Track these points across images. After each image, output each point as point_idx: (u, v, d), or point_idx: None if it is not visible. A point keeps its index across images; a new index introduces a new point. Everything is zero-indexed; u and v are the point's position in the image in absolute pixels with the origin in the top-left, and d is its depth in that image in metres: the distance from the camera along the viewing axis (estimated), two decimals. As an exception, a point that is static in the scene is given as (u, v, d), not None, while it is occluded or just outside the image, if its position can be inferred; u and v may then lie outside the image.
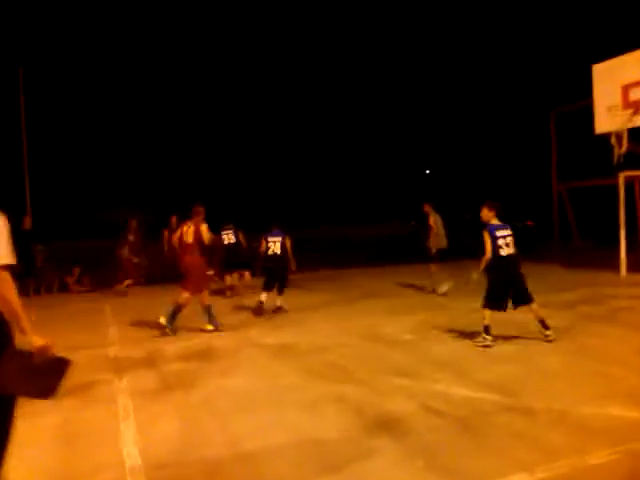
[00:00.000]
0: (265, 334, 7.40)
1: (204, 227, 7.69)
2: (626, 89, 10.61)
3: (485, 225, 6.40)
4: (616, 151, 10.64)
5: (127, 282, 12.77)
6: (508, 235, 6.34)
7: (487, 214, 6.45)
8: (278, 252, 9.01)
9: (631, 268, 12.47)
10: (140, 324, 8.38)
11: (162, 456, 3.67)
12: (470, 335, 6.66)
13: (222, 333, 7.49)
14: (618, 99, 10.76)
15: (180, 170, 26.70)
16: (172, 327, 7.48)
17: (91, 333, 7.88)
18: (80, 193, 24.37)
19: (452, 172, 30.77)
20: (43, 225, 17.74)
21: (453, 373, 5.26)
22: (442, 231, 10.51)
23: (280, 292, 9.12)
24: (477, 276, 6.33)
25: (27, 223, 13.41)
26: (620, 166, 11.08)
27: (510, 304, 6.36)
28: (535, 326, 6.45)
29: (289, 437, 3.89)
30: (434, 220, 10.44)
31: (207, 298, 7.76)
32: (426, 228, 10.63)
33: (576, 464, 3.31)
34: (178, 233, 7.89)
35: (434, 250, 10.44)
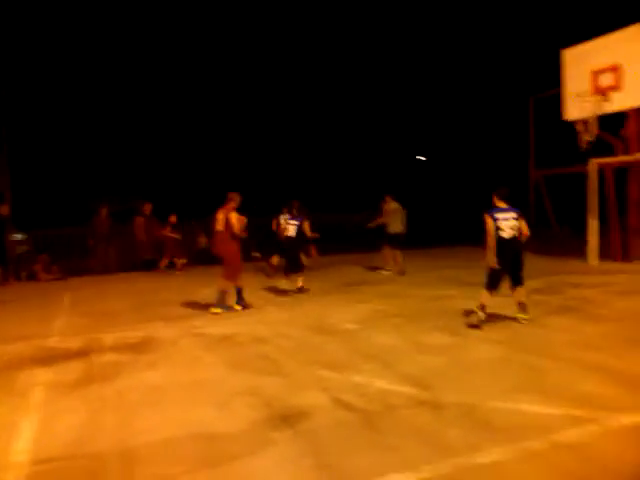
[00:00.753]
0: (211, 324, 7.31)
1: (233, 216, 7.72)
2: (595, 75, 10.38)
3: (488, 210, 6.62)
4: (583, 138, 10.44)
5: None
6: (511, 218, 6.49)
7: (496, 201, 6.68)
8: (293, 235, 9.48)
9: (602, 256, 12.36)
10: (91, 314, 8.30)
11: (53, 451, 3.59)
12: (417, 323, 6.64)
13: (168, 323, 7.40)
14: (587, 85, 10.53)
15: (172, 158, 26.32)
16: (226, 307, 7.97)
17: (39, 323, 7.78)
18: (72, 181, 24.06)
19: (430, 158, 30.43)
20: (28, 213, 17.62)
21: (381, 364, 5.17)
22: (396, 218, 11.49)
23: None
24: (492, 259, 6.44)
25: (4, 210, 13.25)
26: (589, 153, 10.89)
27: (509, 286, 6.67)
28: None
29: (186, 432, 3.80)
30: (388, 209, 11.51)
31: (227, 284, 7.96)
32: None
33: (462, 463, 3.21)
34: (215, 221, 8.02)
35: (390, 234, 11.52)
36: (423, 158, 37.69)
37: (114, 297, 9.98)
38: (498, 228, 6.44)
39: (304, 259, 10.03)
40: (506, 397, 4.19)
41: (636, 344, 5.52)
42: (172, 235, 13.94)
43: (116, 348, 6.21)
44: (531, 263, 12.26)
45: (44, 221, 17.38)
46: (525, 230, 6.60)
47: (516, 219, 6.51)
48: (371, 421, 3.88)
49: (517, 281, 6.64)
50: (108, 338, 6.68)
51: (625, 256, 12.40)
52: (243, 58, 28.70)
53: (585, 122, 10.40)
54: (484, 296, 6.51)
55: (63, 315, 8.38)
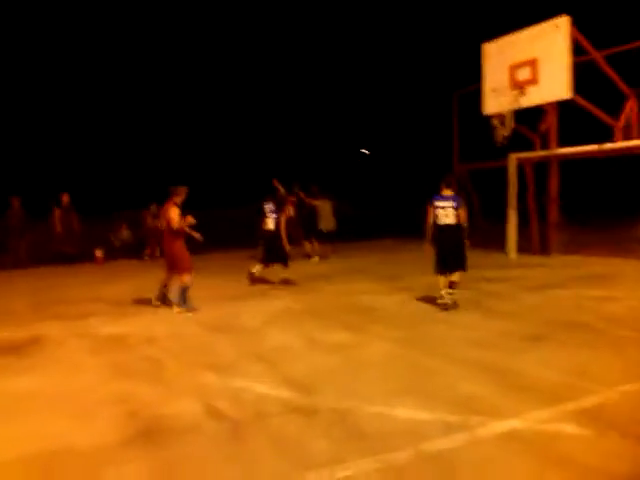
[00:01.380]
0: (108, 323, 6.87)
1: (173, 210, 7.12)
2: (513, 69, 10.44)
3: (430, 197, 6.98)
4: (499, 132, 10.52)
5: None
6: (448, 206, 6.80)
7: (442, 189, 6.96)
8: (272, 228, 9.19)
9: (523, 249, 12.61)
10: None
11: None
12: (322, 320, 6.51)
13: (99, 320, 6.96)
14: (506, 79, 10.59)
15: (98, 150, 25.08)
16: (188, 306, 7.33)
17: None
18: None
19: (360, 152, 30.56)
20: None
21: (269, 366, 4.94)
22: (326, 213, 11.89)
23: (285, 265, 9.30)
24: (427, 246, 7.04)
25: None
26: (505, 148, 11.00)
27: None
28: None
29: (38, 449, 3.43)
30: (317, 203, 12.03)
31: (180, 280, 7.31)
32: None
33: (320, 479, 3.00)
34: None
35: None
36: (366, 152, 37.76)
37: (15, 293, 9.35)
38: (436, 216, 6.84)
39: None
40: (385, 401, 4.03)
41: (534, 342, 5.48)
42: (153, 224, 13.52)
43: (1, 349, 5.72)
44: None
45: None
46: (463, 219, 6.85)
47: (455, 208, 6.77)
48: (237, 432, 3.63)
49: (452, 267, 6.96)
50: (-7, 338, 6.15)
51: (544, 249, 12.68)
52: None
53: (502, 117, 10.46)
54: (440, 281, 7.06)
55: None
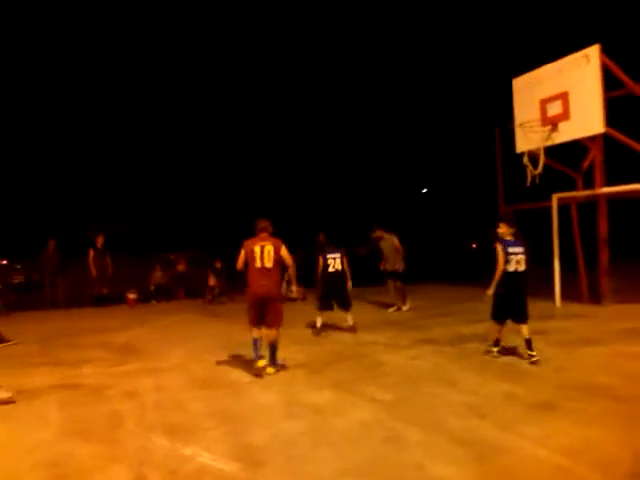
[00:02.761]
0: (99, 371, 6.69)
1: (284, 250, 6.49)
2: (543, 104, 9.76)
3: (499, 240, 6.60)
4: (529, 172, 9.77)
5: None
6: (520, 253, 6.48)
7: (506, 230, 6.63)
8: (339, 268, 8.84)
9: (572, 297, 11.57)
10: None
11: None
12: (316, 375, 6.10)
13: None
14: (536, 115, 9.91)
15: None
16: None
17: None
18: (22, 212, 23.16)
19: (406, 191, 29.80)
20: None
21: (229, 432, 4.50)
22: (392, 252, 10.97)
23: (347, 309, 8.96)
24: (491, 292, 6.56)
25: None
26: (533, 186, 10.16)
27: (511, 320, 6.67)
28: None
29: None
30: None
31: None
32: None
33: None
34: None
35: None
36: (425, 190, 37.08)
37: (30, 334, 9.39)
38: (508, 262, 6.44)
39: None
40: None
41: (539, 411, 4.75)
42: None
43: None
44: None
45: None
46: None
47: (524, 253, 6.49)
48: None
49: (521, 318, 6.57)
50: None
51: (594, 297, 11.57)
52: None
53: (533, 154, 9.74)
54: (494, 329, 6.78)
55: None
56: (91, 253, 13.64)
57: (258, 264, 6.19)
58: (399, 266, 11.01)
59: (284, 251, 6.35)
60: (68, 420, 4.88)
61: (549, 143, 9.74)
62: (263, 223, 6.39)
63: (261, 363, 6.31)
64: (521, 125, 9.90)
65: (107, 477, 3.71)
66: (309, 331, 8.99)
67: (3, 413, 5.15)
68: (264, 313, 6.27)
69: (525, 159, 9.89)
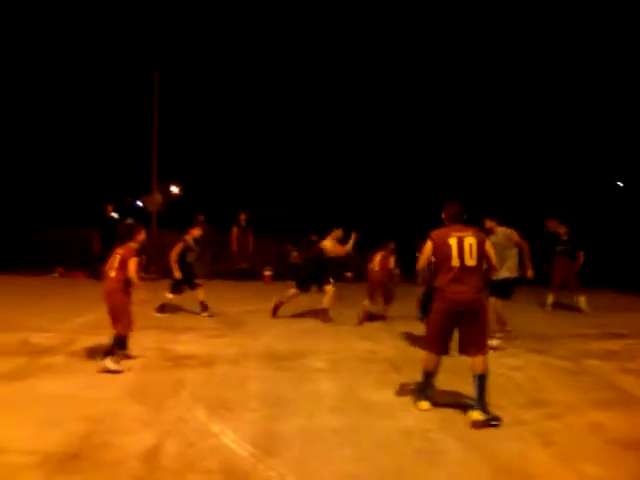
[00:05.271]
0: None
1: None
2: None
3: None
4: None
5: None
6: None
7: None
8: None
9: None
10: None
11: None
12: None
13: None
14: None
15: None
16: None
17: None
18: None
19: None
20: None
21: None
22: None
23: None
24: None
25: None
26: None
27: None
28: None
29: None
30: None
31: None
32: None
33: None
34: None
35: None
36: (621, 184, 33.00)
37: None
38: None
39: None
40: None
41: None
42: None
43: None
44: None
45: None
46: None
47: None
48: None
49: None
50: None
51: None
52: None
53: None
54: None
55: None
56: (234, 230, 14.49)
57: (455, 262, 4.47)
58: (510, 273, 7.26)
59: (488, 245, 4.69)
60: (135, 382, 5.19)
61: None
62: (454, 207, 4.73)
63: (424, 405, 4.67)
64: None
65: (132, 439, 3.87)
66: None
67: (77, 367, 5.64)
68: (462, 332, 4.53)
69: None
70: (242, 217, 14.62)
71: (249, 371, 5.72)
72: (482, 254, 4.50)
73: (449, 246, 4.44)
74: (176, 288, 8.86)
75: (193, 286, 8.93)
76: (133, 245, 5.83)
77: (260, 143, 27.31)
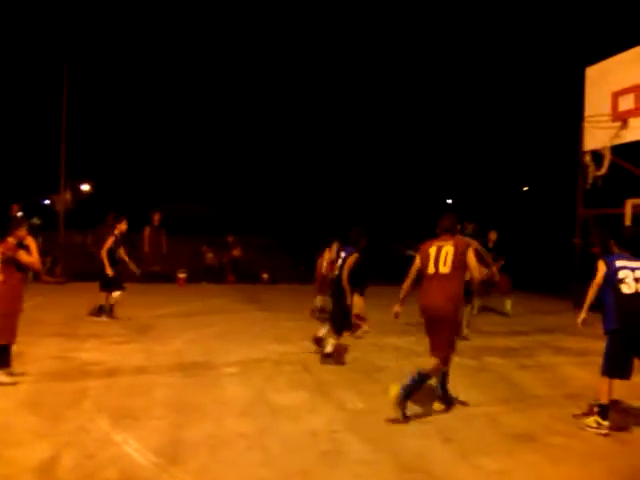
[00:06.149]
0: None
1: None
2: (615, 97, 8.58)
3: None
4: (591, 172, 8.64)
5: None
6: (637, 268, 4.39)
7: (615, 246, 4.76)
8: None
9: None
10: None
11: None
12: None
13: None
14: (607, 109, 8.74)
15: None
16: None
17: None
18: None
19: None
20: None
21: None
22: None
23: None
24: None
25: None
26: (596, 187, 8.95)
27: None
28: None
29: None
30: None
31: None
32: None
33: None
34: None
35: None
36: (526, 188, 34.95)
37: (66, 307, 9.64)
38: (621, 280, 4.36)
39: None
40: None
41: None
42: None
43: None
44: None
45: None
46: None
47: None
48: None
49: None
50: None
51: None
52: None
53: (596, 153, 8.62)
54: (601, 385, 4.39)
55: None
56: (147, 230, 14.00)
57: (431, 270, 4.61)
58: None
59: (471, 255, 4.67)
60: (31, 393, 4.90)
61: (618, 142, 8.57)
62: (445, 221, 4.83)
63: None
64: (593, 122, 8.71)
65: (26, 452, 3.66)
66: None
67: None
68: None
69: (587, 158, 8.78)
70: (156, 217, 14.17)
71: (156, 378, 5.55)
72: (459, 263, 4.53)
73: (428, 255, 4.64)
74: (115, 284, 8.59)
75: (119, 285, 8.61)
76: (11, 240, 5.19)
77: (175, 139, 26.75)
